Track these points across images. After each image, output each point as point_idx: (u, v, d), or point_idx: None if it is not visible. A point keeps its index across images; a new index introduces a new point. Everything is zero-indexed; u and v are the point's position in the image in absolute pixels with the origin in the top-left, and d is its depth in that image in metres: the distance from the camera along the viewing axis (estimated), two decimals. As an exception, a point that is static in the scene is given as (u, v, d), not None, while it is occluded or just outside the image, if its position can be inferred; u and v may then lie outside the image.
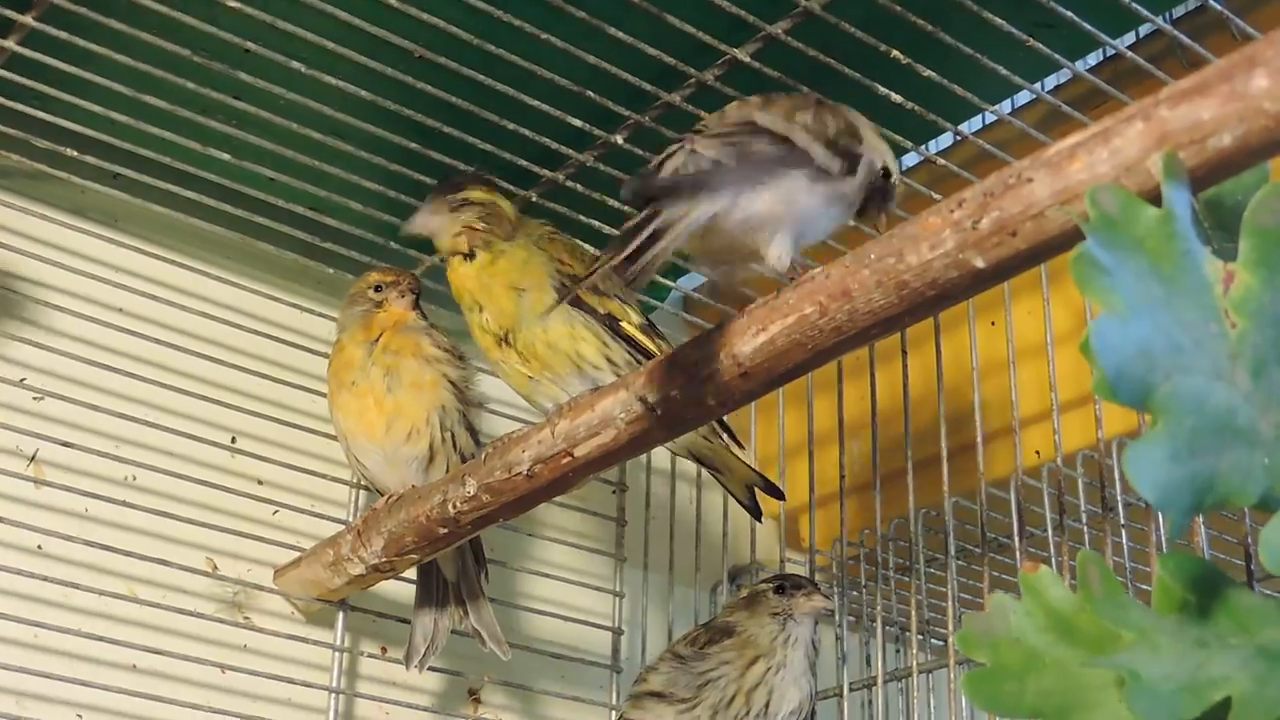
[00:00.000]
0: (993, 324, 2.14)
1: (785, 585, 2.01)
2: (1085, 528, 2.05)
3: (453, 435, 2.03)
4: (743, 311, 1.43)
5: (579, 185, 2.06)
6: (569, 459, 1.65)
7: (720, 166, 1.47)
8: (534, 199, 2.09)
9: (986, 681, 1.03)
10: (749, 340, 1.40)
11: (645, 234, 1.36)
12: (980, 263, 1.19)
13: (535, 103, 1.91)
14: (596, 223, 2.12)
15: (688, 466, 2.49)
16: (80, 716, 1.94)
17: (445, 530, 1.86)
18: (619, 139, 1.97)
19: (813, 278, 1.34)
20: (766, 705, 1.93)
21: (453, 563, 2.07)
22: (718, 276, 1.57)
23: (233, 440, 2.16)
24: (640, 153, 1.95)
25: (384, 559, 1.96)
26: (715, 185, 1.44)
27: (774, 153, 1.49)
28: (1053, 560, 2.05)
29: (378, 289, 2.07)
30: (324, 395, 2.10)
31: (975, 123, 2.16)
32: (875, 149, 1.59)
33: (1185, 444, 0.94)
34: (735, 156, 1.47)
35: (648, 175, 1.48)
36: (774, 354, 1.38)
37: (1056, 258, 1.17)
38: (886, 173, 1.64)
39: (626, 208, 1.83)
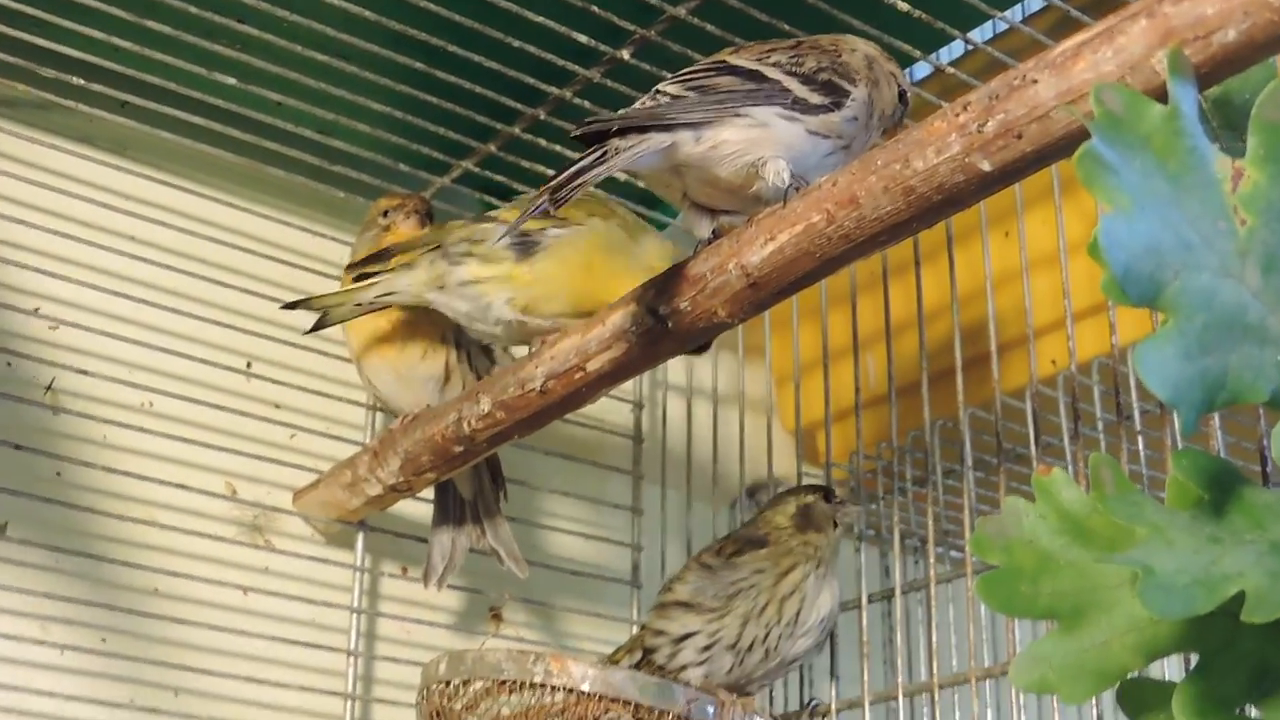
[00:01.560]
0: (1006, 234, 2.13)
1: (830, 495, 2.01)
2: (1101, 435, 2.04)
3: (468, 354, 2.03)
4: (751, 222, 1.43)
5: (586, 102, 2.04)
6: (581, 373, 1.66)
7: (680, 100, 1.48)
8: (542, 117, 2.07)
9: (1000, 584, 1.03)
10: (757, 250, 1.40)
11: (584, 161, 1.39)
12: (986, 166, 1.19)
13: (540, 19, 1.89)
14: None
15: (704, 382, 2.50)
16: (104, 640, 1.95)
17: (461, 449, 1.86)
18: (625, 54, 1.95)
19: (819, 186, 1.34)
20: (798, 614, 1.92)
21: (469, 481, 2.07)
22: (720, 227, 1.56)
23: (248, 365, 2.16)
24: (647, 68, 1.94)
25: (401, 479, 1.97)
26: (672, 117, 1.46)
27: (742, 85, 1.49)
28: (1069, 468, 2.04)
29: (385, 214, 2.08)
30: None
31: (986, 30, 2.13)
32: (877, 78, 1.59)
33: (1196, 341, 0.94)
34: (699, 91, 1.48)
35: (603, 118, 1.50)
36: (783, 263, 1.38)
37: (1068, 163, 1.16)
38: (902, 95, 1.64)
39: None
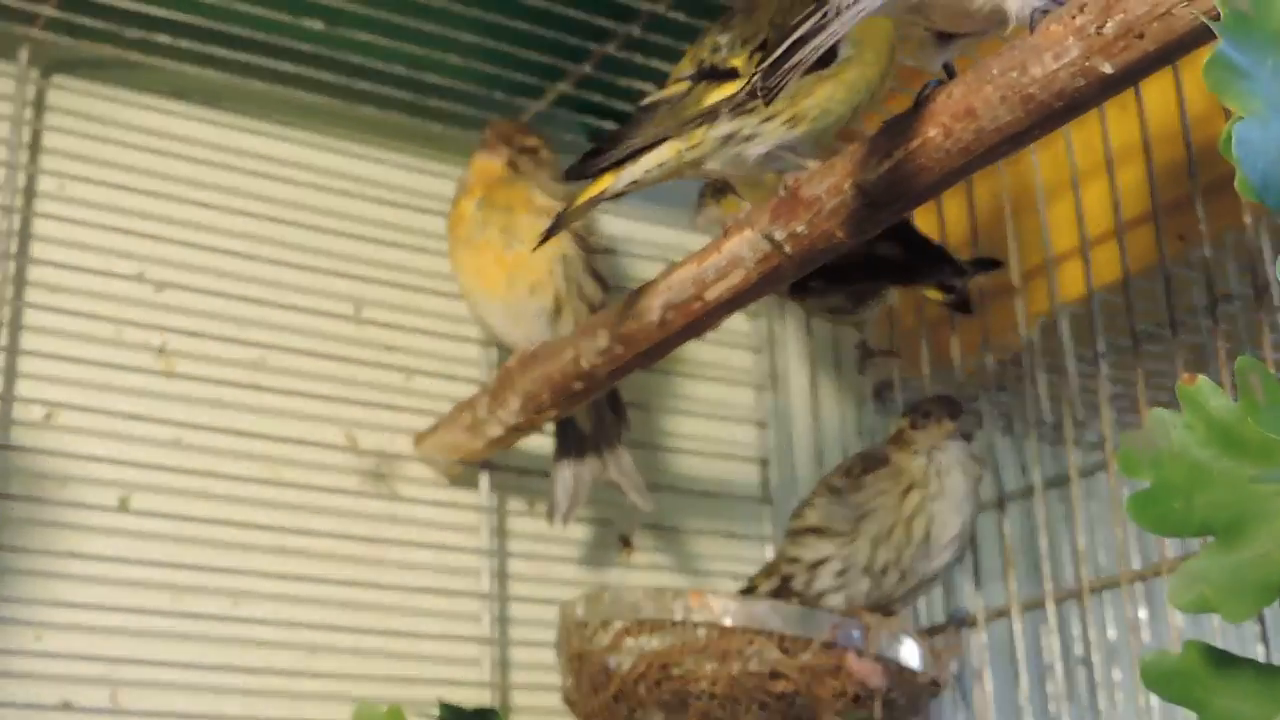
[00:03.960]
0: (1124, 107, 2.08)
1: (917, 418, 1.98)
2: (1239, 313, 2.01)
3: (578, 285, 2.02)
4: (862, 139, 1.41)
5: (681, 14, 2.00)
6: (700, 303, 1.65)
7: None
8: (636, 34, 2.05)
9: (1151, 502, 1.01)
10: (873, 168, 1.38)
11: (803, 29, 1.22)
12: (1108, 69, 1.16)
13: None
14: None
15: None
16: (236, 604, 1.96)
17: (581, 385, 1.86)
18: None
19: (933, 99, 1.31)
20: (927, 534, 1.91)
21: (587, 415, 2.06)
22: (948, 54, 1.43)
23: (357, 311, 2.16)
24: None
25: (522, 419, 1.97)
26: None
27: None
28: (1207, 347, 2.01)
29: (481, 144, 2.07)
30: (444, 255, 2.10)
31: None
32: None
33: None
34: None
35: None
36: (900, 180, 1.37)
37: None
38: None
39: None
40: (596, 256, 2.06)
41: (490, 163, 2.03)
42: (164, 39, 1.95)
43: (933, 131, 1.31)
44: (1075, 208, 1.99)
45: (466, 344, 2.20)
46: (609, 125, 2.16)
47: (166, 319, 2.01)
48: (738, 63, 1.65)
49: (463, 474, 2.16)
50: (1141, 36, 1.13)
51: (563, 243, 1.99)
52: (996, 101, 1.25)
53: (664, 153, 1.61)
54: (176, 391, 2.01)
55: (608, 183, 1.63)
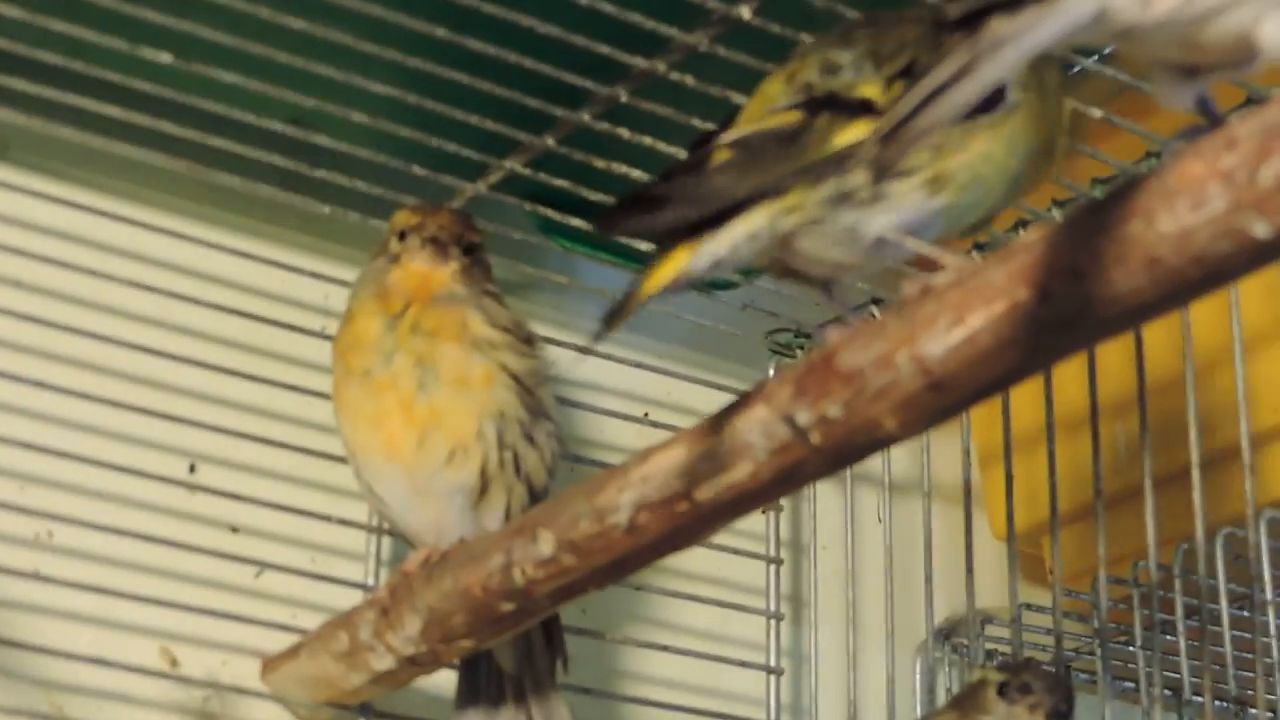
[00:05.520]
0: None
1: (1008, 685, 1.99)
2: None
3: (515, 455, 2.02)
4: (925, 292, 1.44)
5: (688, 77, 2.09)
6: (686, 504, 1.65)
7: None
8: (623, 99, 2.12)
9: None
10: (940, 336, 1.41)
11: (940, 75, 1.20)
12: (1261, 230, 1.20)
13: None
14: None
15: (872, 466, 2.52)
16: None
17: (511, 606, 1.87)
18: (745, 12, 1.99)
19: (1028, 248, 1.36)
20: None
21: (512, 647, 2.07)
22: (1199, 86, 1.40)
23: (191, 470, 2.20)
24: (776, 28, 1.99)
25: (424, 648, 1.97)
26: None
27: None
28: None
29: (402, 235, 2.06)
30: (325, 396, 2.10)
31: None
32: None
33: None
34: None
35: None
36: (976, 357, 1.40)
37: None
38: None
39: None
40: (542, 418, 2.06)
41: (436, 270, 2.04)
42: (-66, 66, 1.98)
43: (1024, 293, 1.34)
44: (1238, 383, 2.05)
45: (347, 530, 2.22)
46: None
47: (-91, 474, 2.01)
48: (871, 91, 1.61)
49: (331, 720, 2.15)
50: (1308, 190, 1.20)
51: (499, 391, 2.00)
52: (1111, 261, 1.29)
53: (757, 218, 1.55)
54: (-78, 581, 2.00)
55: (683, 262, 1.54)
